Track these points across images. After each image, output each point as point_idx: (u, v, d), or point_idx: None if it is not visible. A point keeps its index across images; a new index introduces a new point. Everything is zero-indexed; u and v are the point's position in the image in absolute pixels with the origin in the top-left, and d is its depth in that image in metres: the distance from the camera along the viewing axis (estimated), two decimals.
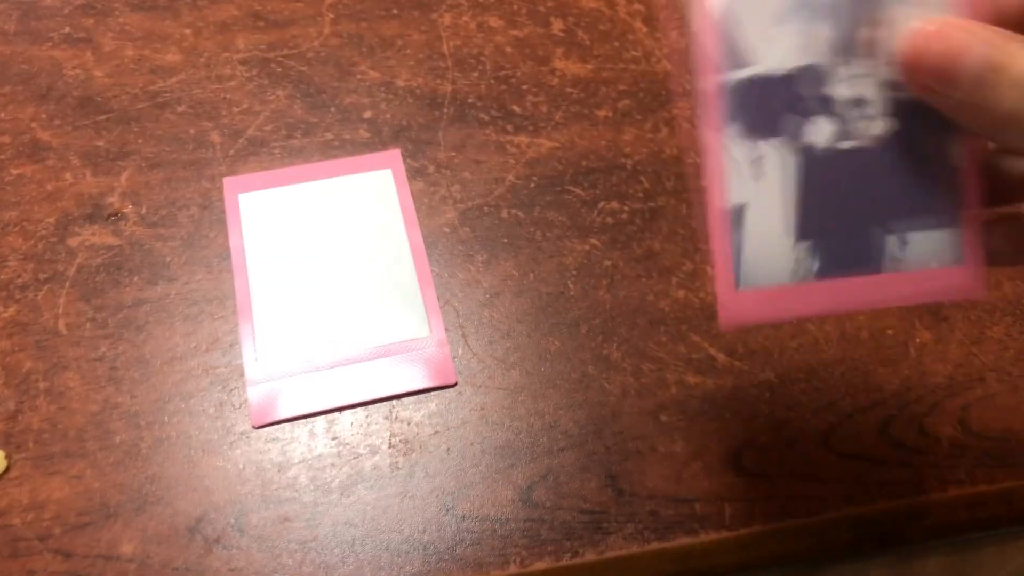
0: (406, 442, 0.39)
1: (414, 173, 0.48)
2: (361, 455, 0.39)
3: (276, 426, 0.40)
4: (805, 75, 0.28)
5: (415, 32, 0.54)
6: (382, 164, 0.48)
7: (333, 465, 0.39)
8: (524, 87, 0.51)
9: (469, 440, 0.40)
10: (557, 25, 0.55)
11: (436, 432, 0.40)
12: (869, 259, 0.29)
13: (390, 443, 0.39)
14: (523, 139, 0.49)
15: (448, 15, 0.55)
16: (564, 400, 0.41)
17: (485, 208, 0.47)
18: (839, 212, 0.29)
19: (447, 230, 0.46)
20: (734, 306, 0.30)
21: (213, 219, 0.46)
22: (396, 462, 0.39)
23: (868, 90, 0.28)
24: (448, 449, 0.39)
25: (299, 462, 0.39)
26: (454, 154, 0.49)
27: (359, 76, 0.51)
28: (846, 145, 0.28)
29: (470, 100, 0.51)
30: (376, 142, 0.49)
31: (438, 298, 0.43)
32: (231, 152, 0.48)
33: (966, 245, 0.29)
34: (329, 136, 0.49)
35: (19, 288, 0.43)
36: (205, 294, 0.43)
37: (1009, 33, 0.25)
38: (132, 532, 0.37)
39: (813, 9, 0.28)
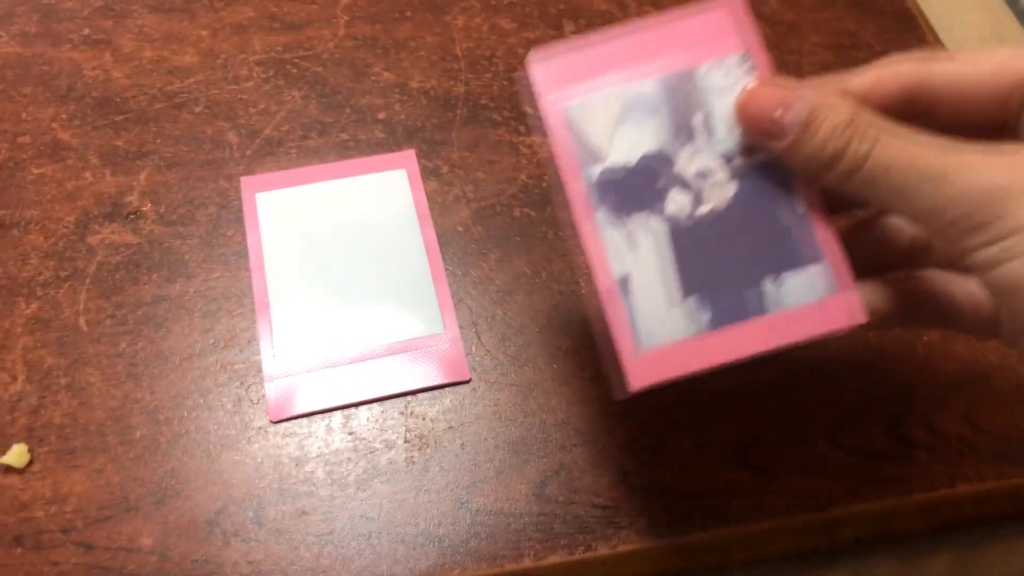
0: (421, 437, 0.40)
1: (428, 173, 0.48)
2: (377, 450, 0.40)
3: (293, 421, 0.40)
4: (653, 160, 0.33)
5: (428, 34, 0.54)
6: (397, 164, 0.48)
7: (349, 460, 0.39)
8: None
9: (483, 436, 0.40)
10: (568, 27, 0.55)
11: (450, 427, 0.40)
12: (753, 305, 0.32)
13: (405, 438, 0.40)
14: (535, 139, 0.50)
15: (461, 17, 0.55)
16: (576, 396, 0.41)
17: (498, 207, 0.47)
18: (715, 267, 0.32)
19: (461, 229, 0.47)
20: (639, 368, 0.32)
21: (230, 218, 0.46)
22: (411, 457, 0.40)
23: (711, 162, 0.33)
24: (462, 444, 0.40)
25: (316, 456, 0.39)
26: (467, 154, 0.49)
27: (373, 77, 0.52)
28: (703, 210, 0.33)
29: (483, 101, 0.51)
30: (391, 142, 0.49)
31: (452, 296, 0.44)
32: (248, 152, 0.49)
33: (835, 276, 0.32)
34: (344, 136, 0.49)
35: (40, 285, 0.44)
36: (223, 291, 0.44)
37: (823, 89, 0.31)
38: (152, 525, 0.37)
39: (643, 109, 0.33)
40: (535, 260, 0.45)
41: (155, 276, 0.44)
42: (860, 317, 0.32)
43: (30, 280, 0.44)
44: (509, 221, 0.47)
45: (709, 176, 0.33)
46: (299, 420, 0.40)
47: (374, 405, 0.41)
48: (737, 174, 0.33)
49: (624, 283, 0.33)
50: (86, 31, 0.53)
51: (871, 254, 0.35)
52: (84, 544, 0.37)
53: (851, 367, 0.42)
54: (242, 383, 0.41)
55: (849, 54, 0.55)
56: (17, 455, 0.39)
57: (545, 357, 0.42)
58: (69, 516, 0.38)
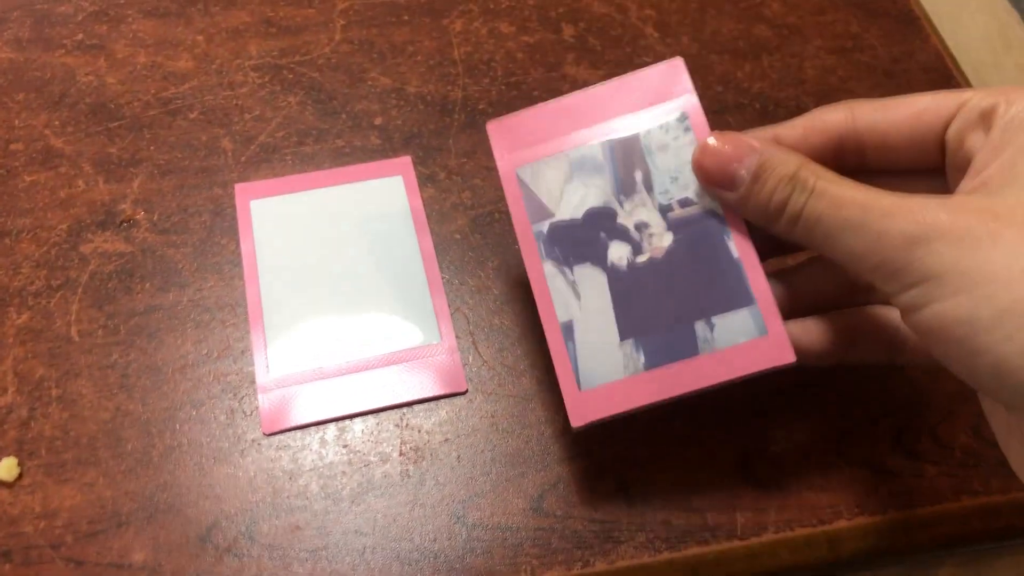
0: (416, 450, 0.39)
1: (425, 180, 0.48)
2: (372, 463, 0.39)
3: (287, 434, 0.40)
4: (596, 215, 0.36)
5: (426, 38, 0.54)
6: (393, 171, 0.48)
7: (344, 473, 0.39)
8: (535, 93, 0.51)
9: (479, 448, 0.40)
10: (568, 31, 0.55)
11: (447, 440, 0.40)
12: (686, 347, 0.34)
13: (401, 451, 0.39)
14: None
15: (459, 21, 0.55)
16: None
17: (496, 215, 0.47)
18: (651, 312, 0.35)
19: (458, 237, 0.46)
20: (580, 405, 0.35)
21: (225, 226, 0.46)
22: (407, 470, 0.39)
23: (649, 215, 0.36)
24: (459, 457, 0.39)
25: (310, 470, 0.39)
26: (465, 160, 0.49)
27: (370, 82, 0.51)
28: (642, 259, 0.36)
29: (481, 106, 0.51)
30: (387, 148, 0.49)
31: (448, 305, 0.43)
32: (243, 159, 0.48)
33: (765, 318, 0.34)
34: (340, 143, 0.49)
35: (32, 295, 0.43)
36: (216, 301, 0.43)
37: (772, 143, 0.33)
38: (143, 540, 0.37)
39: (589, 169, 0.37)
40: None
41: (148, 285, 0.44)
42: (788, 356, 0.34)
43: (21, 289, 0.43)
44: (507, 229, 0.46)
45: (648, 227, 0.36)
46: (293, 432, 0.40)
47: (369, 417, 0.40)
48: (673, 225, 0.36)
49: (568, 327, 0.36)
50: (80, 36, 0.53)
51: (816, 291, 0.37)
52: (74, 560, 0.36)
53: (855, 377, 0.42)
54: (235, 395, 0.41)
55: (852, 57, 0.54)
56: (7, 468, 0.38)
57: (543, 367, 0.42)
58: (59, 531, 0.37)
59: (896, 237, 0.29)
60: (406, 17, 0.55)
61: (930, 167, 0.34)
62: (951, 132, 0.32)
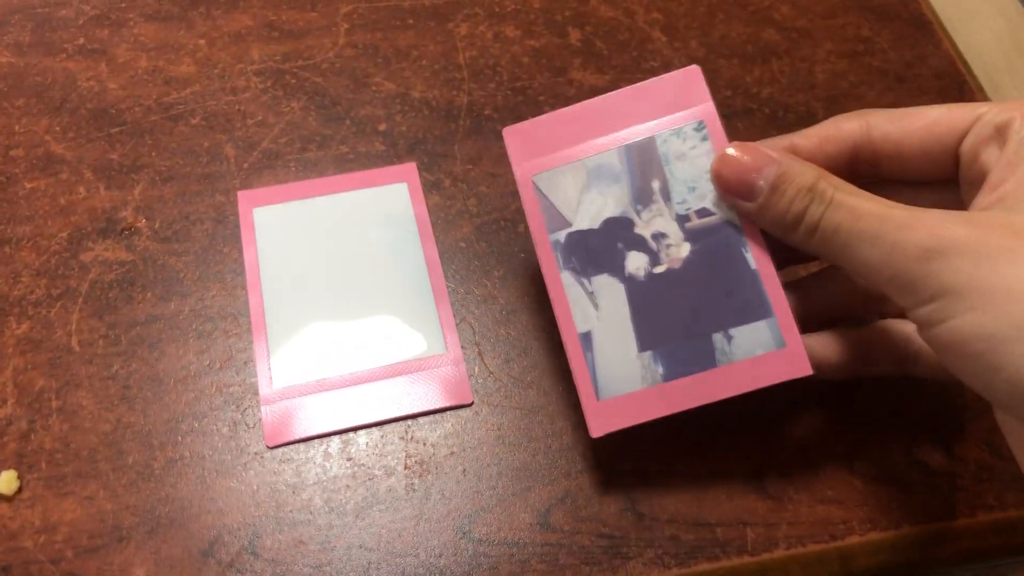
0: (422, 463, 0.39)
1: (430, 186, 0.47)
2: (376, 476, 0.38)
3: (290, 446, 0.39)
4: (614, 224, 0.36)
5: (431, 42, 0.53)
6: (398, 177, 0.47)
7: (348, 487, 0.38)
8: (541, 98, 0.51)
9: (486, 461, 0.39)
10: (575, 35, 0.54)
11: (452, 453, 0.39)
12: (704, 358, 0.34)
13: (406, 464, 0.39)
14: None
15: (464, 25, 0.54)
16: (582, 420, 0.40)
17: (502, 222, 0.46)
18: (669, 323, 0.35)
19: (463, 245, 0.45)
20: (599, 415, 0.35)
21: (227, 233, 0.45)
22: (412, 484, 0.38)
23: (666, 225, 0.36)
24: (464, 471, 0.39)
25: (314, 483, 0.38)
26: (470, 167, 0.48)
27: (374, 87, 0.51)
28: (660, 270, 0.35)
29: (486, 112, 0.50)
30: (392, 155, 0.48)
31: (454, 315, 0.43)
32: (245, 165, 0.47)
33: (783, 330, 0.34)
34: (344, 149, 0.48)
35: (32, 304, 0.43)
36: (219, 310, 0.43)
37: (790, 154, 0.33)
38: (144, 555, 0.36)
39: (606, 177, 0.37)
40: (540, 277, 0.44)
41: (149, 295, 0.43)
42: (805, 369, 0.34)
43: (21, 299, 0.43)
44: (513, 237, 0.46)
45: (665, 237, 0.36)
46: (296, 445, 0.39)
47: (373, 429, 0.40)
48: (691, 235, 0.35)
49: (587, 337, 0.36)
50: (81, 40, 0.52)
51: (829, 302, 0.37)
52: (74, 575, 0.36)
53: (867, 390, 0.41)
54: (238, 406, 0.40)
55: (863, 61, 0.54)
56: (6, 482, 0.37)
57: (550, 379, 0.41)
58: (59, 546, 0.36)
59: (912, 249, 0.28)
60: (411, 21, 0.54)
61: (944, 178, 0.34)
62: (965, 146, 0.32)
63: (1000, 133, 0.31)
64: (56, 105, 0.49)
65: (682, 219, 0.36)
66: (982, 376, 0.28)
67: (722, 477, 0.39)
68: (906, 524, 0.38)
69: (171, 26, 0.53)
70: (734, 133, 0.49)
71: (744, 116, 0.51)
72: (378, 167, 0.48)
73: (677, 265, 0.35)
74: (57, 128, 0.49)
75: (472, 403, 0.40)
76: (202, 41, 0.52)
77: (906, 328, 0.36)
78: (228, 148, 0.48)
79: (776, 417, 0.40)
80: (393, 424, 0.40)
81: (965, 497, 0.39)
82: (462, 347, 0.42)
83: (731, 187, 0.34)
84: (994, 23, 0.60)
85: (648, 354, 0.35)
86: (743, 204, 0.34)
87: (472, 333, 0.42)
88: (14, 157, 0.47)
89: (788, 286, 0.36)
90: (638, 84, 0.38)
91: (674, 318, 0.35)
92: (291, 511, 0.38)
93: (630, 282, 0.36)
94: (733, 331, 0.34)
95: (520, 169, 0.38)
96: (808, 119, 0.35)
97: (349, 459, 0.39)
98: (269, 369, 0.41)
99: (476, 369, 0.41)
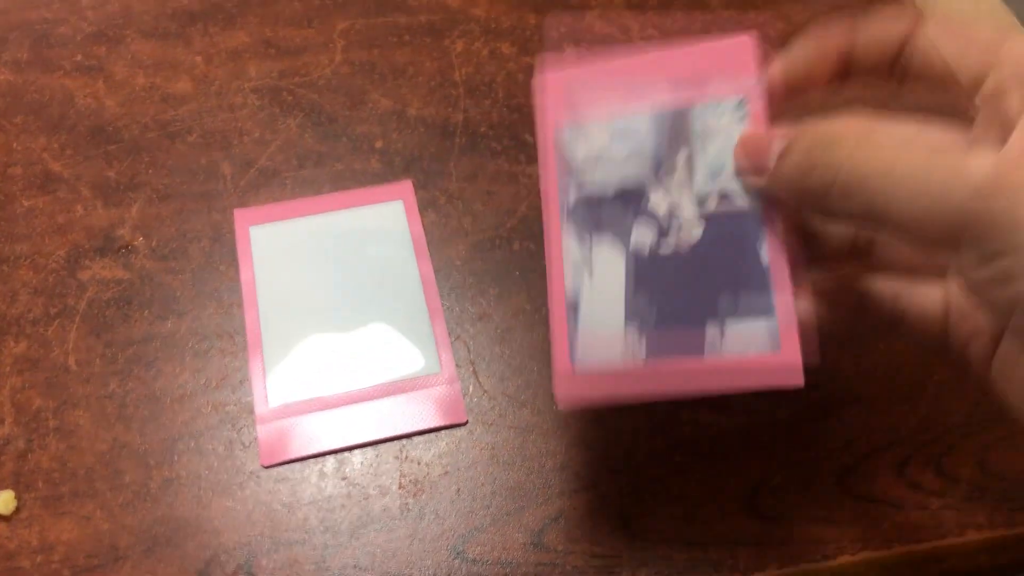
0: (416, 483, 0.39)
1: (425, 204, 0.47)
2: (371, 496, 0.39)
3: (286, 466, 0.39)
4: (630, 190, 0.34)
5: (427, 59, 0.53)
6: (394, 195, 0.47)
7: (343, 506, 0.38)
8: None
9: (479, 481, 0.39)
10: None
11: (446, 472, 0.39)
12: (692, 346, 0.32)
13: (400, 484, 0.39)
14: (535, 169, 0.48)
15: (460, 42, 0.54)
16: (576, 439, 0.40)
17: (497, 240, 0.46)
18: (663, 304, 0.33)
19: (458, 263, 0.46)
20: (569, 385, 0.33)
21: (224, 252, 0.45)
22: (406, 503, 0.39)
23: (683, 202, 0.33)
24: (458, 490, 0.39)
25: (309, 503, 0.39)
26: (466, 185, 0.48)
27: (370, 105, 0.51)
28: (667, 249, 0.33)
29: (482, 129, 0.50)
30: (387, 172, 0.48)
31: (449, 333, 0.43)
32: (242, 183, 0.48)
33: (782, 334, 0.31)
34: (340, 167, 0.49)
35: (30, 323, 0.43)
36: (215, 329, 0.43)
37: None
38: (141, 575, 0.37)
39: (631, 142, 0.34)
40: (535, 296, 0.44)
41: (146, 313, 0.43)
42: (797, 380, 0.31)
43: (19, 318, 0.43)
44: (509, 255, 0.46)
45: (679, 215, 0.33)
46: (292, 464, 0.40)
47: (368, 449, 0.40)
48: (707, 219, 0.33)
49: (574, 302, 0.34)
50: (78, 57, 0.52)
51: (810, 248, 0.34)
52: None
53: (859, 408, 0.41)
54: (234, 425, 0.40)
55: None
56: (4, 502, 0.38)
57: (544, 398, 0.41)
58: (56, 566, 0.37)
59: (968, 197, 0.24)
60: (407, 38, 0.54)
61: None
62: (988, 84, 0.28)
63: None
64: (54, 122, 0.50)
65: (701, 199, 0.33)
66: None
67: (714, 496, 0.39)
68: (897, 543, 0.38)
69: (169, 43, 0.53)
70: None
71: None
72: (374, 184, 0.48)
73: (685, 247, 0.33)
74: (55, 146, 0.49)
75: (466, 422, 0.41)
76: (199, 58, 0.53)
77: (895, 287, 0.33)
78: (225, 166, 0.48)
79: (768, 436, 0.41)
80: (388, 443, 0.40)
81: (956, 516, 0.39)
82: (457, 366, 0.42)
83: (747, 166, 0.31)
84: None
85: (635, 329, 0.33)
86: (755, 180, 0.31)
87: (467, 351, 0.43)
88: (12, 175, 0.48)
89: (819, 295, 0.33)
90: (686, 44, 0.34)
91: (670, 299, 0.33)
92: (287, 531, 0.38)
93: (632, 253, 0.33)
94: (728, 324, 0.32)
95: (545, 116, 0.35)
96: None
97: (344, 478, 0.39)
98: (265, 388, 0.41)
99: (471, 388, 0.42)
